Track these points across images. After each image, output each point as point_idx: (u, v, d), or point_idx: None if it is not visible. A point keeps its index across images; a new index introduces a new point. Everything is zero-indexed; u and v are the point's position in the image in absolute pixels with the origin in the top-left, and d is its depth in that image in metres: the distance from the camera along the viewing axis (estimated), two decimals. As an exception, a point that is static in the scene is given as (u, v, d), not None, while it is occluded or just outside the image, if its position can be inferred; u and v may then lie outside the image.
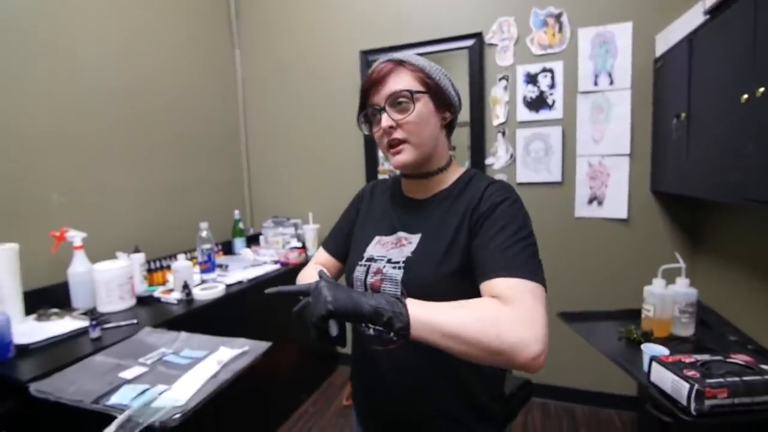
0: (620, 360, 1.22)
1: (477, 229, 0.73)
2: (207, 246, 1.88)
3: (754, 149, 1.08)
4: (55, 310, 1.51)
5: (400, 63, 0.78)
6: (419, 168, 0.82)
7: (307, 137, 2.64)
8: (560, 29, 2.06)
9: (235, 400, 1.75)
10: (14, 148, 1.53)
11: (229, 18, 2.67)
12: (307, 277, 0.89)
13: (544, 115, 2.12)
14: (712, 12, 1.34)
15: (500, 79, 2.18)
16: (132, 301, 1.62)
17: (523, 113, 2.16)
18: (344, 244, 0.94)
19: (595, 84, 2.02)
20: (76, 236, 1.59)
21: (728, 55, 1.23)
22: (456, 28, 2.22)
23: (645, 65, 1.94)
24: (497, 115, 2.21)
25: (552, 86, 2.10)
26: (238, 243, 2.49)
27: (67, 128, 1.70)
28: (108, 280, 1.54)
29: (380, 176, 2.41)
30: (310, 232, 2.46)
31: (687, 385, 0.92)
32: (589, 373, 2.14)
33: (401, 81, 0.76)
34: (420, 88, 0.77)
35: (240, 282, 1.90)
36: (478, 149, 2.25)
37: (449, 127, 0.85)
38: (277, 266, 2.19)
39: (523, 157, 2.18)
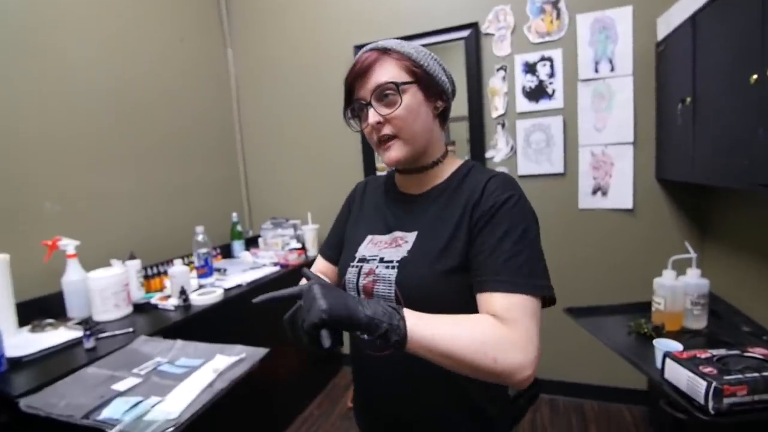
0: (631, 356, 1.18)
1: (478, 231, 0.68)
2: (204, 250, 1.84)
3: (765, 132, 1.03)
4: (49, 320, 1.48)
5: (385, 51, 0.73)
6: (413, 163, 0.77)
7: (304, 135, 2.60)
8: (558, 16, 2.01)
9: (239, 404, 1.72)
10: (3, 155, 1.50)
11: (220, 17, 2.63)
12: None
13: (544, 105, 2.07)
14: (717, -10, 1.28)
15: (498, 70, 2.13)
16: (128, 309, 1.58)
17: (523, 104, 2.11)
18: (340, 247, 0.90)
19: (596, 71, 1.97)
20: (69, 244, 1.55)
21: (735, 34, 1.18)
22: (451, 18, 2.17)
23: (646, 50, 1.88)
24: (496, 106, 2.16)
25: (551, 75, 2.05)
26: (237, 246, 2.45)
27: (57, 133, 1.67)
28: (103, 288, 1.51)
29: (379, 173, 2.36)
30: (310, 232, 2.43)
31: (704, 383, 0.88)
32: (597, 368, 2.10)
33: (386, 72, 0.71)
34: (407, 78, 0.72)
35: (239, 286, 1.86)
36: (478, 142, 2.20)
37: (443, 116, 0.80)
38: (277, 268, 2.15)
39: (524, 149, 2.13)
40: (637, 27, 1.89)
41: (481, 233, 0.68)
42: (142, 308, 1.64)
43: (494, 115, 2.17)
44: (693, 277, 1.33)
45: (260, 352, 1.11)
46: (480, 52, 2.14)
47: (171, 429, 0.82)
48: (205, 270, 1.86)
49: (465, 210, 0.71)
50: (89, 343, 1.27)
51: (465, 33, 2.15)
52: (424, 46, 0.78)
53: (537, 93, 2.08)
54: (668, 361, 1.01)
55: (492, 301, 0.63)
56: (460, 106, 2.18)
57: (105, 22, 1.88)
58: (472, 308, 0.66)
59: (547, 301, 0.67)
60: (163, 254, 2.04)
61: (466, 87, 2.16)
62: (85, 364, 1.15)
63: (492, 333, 0.59)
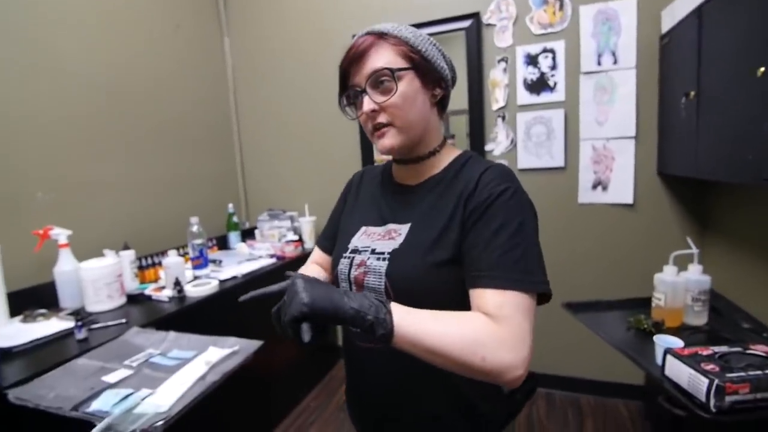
0: (630, 352, 1.17)
1: (472, 224, 0.66)
2: (199, 241, 1.82)
3: (773, 126, 1.01)
4: (42, 310, 1.46)
5: (381, 36, 0.70)
6: (409, 152, 0.75)
7: (302, 126, 2.57)
8: (561, 7, 1.97)
9: (235, 396, 1.71)
10: (-8, 143, 1.47)
11: (217, 5, 2.58)
12: None
13: (545, 97, 2.04)
14: (725, -19, 1.25)
15: (499, 61, 2.10)
16: (121, 300, 1.56)
17: (524, 96, 2.08)
18: (336, 238, 0.88)
19: (599, 64, 1.94)
20: (61, 234, 1.53)
21: (741, 26, 1.15)
22: (452, 8, 2.13)
23: (650, 43, 1.85)
24: (497, 98, 2.13)
25: (553, 67, 2.01)
26: (233, 237, 2.43)
27: (49, 121, 1.63)
28: (95, 279, 1.49)
29: (377, 164, 2.34)
30: (307, 224, 2.40)
31: (706, 380, 0.86)
32: (594, 363, 2.09)
33: (382, 57, 0.69)
34: (403, 64, 0.69)
35: (234, 277, 1.84)
36: (478, 135, 2.17)
37: (442, 104, 0.78)
38: (273, 260, 2.13)
39: (525, 142, 2.10)
40: (641, 19, 1.85)
41: (475, 226, 0.65)
42: (135, 299, 1.61)
43: (495, 107, 2.14)
44: (694, 273, 1.32)
45: (254, 344, 1.09)
46: (481, 43, 2.11)
47: (161, 422, 0.80)
48: (201, 261, 1.83)
49: (459, 201, 0.69)
50: (81, 334, 1.25)
51: (466, 23, 2.11)
52: (423, 37, 0.74)
53: (538, 85, 2.05)
54: (669, 357, 0.99)
55: (484, 297, 0.61)
56: (460, 98, 2.15)
57: (97, 9, 1.84)
58: (464, 302, 0.64)
59: (543, 297, 0.65)
60: (158, 245, 2.01)
61: (467, 79, 2.13)
62: (76, 355, 1.13)
63: (482, 331, 0.57)
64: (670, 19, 1.70)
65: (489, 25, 2.09)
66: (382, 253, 0.72)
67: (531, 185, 2.06)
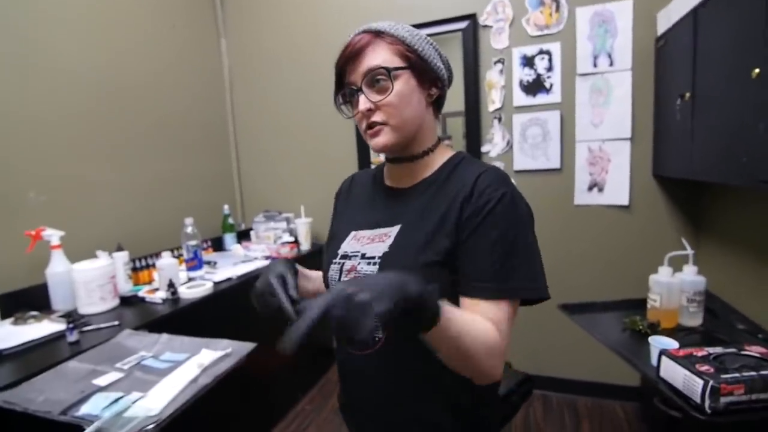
0: (626, 353, 1.16)
1: (470, 230, 0.65)
2: (193, 242, 1.80)
3: (766, 127, 1.01)
4: (33, 313, 1.44)
5: (378, 34, 0.69)
6: (402, 150, 0.74)
7: (298, 127, 2.56)
8: (557, 9, 1.97)
9: (231, 399, 1.69)
10: (-17, 144, 1.45)
11: (213, 6, 2.57)
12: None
13: (541, 99, 2.05)
14: (719, -17, 1.26)
15: (495, 63, 2.10)
16: (115, 302, 1.55)
17: (520, 98, 2.08)
18: None
19: (595, 66, 1.94)
20: (53, 235, 1.51)
21: (737, 28, 1.15)
22: (448, 9, 2.13)
23: (646, 45, 1.86)
24: (493, 100, 2.13)
25: (549, 69, 2.02)
26: (229, 238, 2.41)
27: (42, 121, 1.62)
28: (88, 281, 1.47)
29: (373, 166, 2.33)
30: (303, 226, 2.39)
31: (701, 382, 0.86)
32: (590, 364, 2.09)
33: (378, 56, 0.68)
34: (399, 63, 0.68)
35: (229, 279, 1.83)
36: (474, 136, 2.17)
37: (437, 104, 0.77)
38: (269, 262, 2.12)
39: (521, 144, 2.10)
40: (636, 21, 1.86)
41: (475, 233, 0.65)
42: (129, 301, 1.60)
43: (491, 108, 2.14)
44: (689, 274, 1.32)
45: (247, 347, 1.09)
46: (477, 45, 2.11)
47: (151, 426, 0.79)
48: (195, 263, 1.82)
49: (453, 204, 0.68)
50: (72, 337, 1.24)
51: (462, 24, 2.11)
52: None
53: (534, 87, 2.05)
54: (664, 358, 0.99)
55: (480, 306, 0.63)
56: (456, 99, 2.15)
57: (92, 8, 1.83)
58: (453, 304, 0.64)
59: (540, 298, 0.66)
60: (152, 246, 2.00)
61: (463, 80, 2.13)
62: (68, 357, 1.12)
63: (494, 340, 0.61)
64: (665, 21, 1.71)
65: (485, 26, 2.10)
66: (372, 258, 0.71)
67: (527, 187, 2.08)
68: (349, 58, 0.70)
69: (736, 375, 0.86)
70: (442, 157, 0.77)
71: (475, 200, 0.66)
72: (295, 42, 2.48)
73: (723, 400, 0.84)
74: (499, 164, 2.13)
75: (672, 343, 1.10)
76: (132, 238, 1.89)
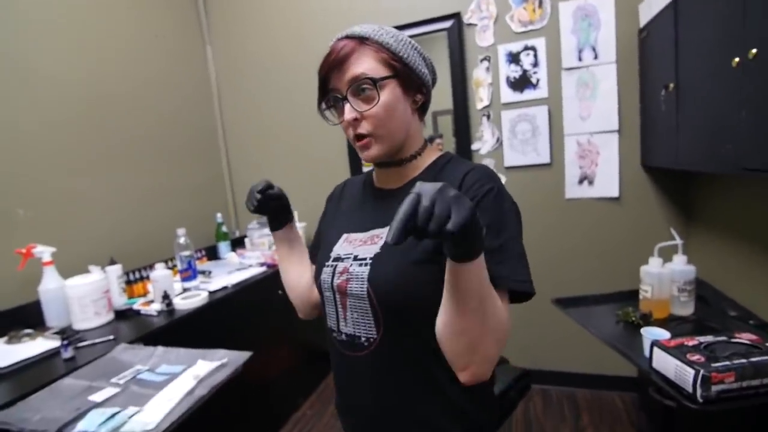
0: (620, 345, 1.17)
1: None
2: (186, 253, 1.80)
3: (748, 116, 1.02)
4: (27, 331, 1.43)
5: (362, 41, 0.69)
6: (391, 157, 0.75)
7: (289, 132, 2.56)
8: (540, 4, 1.98)
9: (230, 408, 1.69)
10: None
11: (197, 13, 2.56)
12: None
13: (528, 95, 2.06)
14: (697, -26, 1.27)
15: (482, 60, 2.11)
16: (109, 316, 1.54)
17: (507, 94, 2.09)
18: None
19: (580, 59, 1.96)
20: (44, 251, 1.50)
21: (716, 17, 1.17)
22: (433, 9, 2.13)
23: (629, 37, 1.87)
24: (481, 98, 2.13)
25: (535, 64, 2.03)
26: (223, 247, 2.41)
27: (28, 136, 1.61)
28: (81, 296, 1.47)
29: (365, 169, 2.34)
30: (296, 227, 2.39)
31: (692, 371, 0.87)
32: (587, 357, 2.11)
33: (363, 64, 0.68)
34: (385, 72, 0.68)
35: (225, 288, 1.82)
36: (464, 134, 2.18)
37: (422, 108, 0.78)
38: (264, 268, 2.12)
39: (510, 140, 2.11)
40: (619, 14, 1.87)
41: None
42: (124, 315, 1.60)
43: (479, 106, 2.14)
44: (679, 264, 1.33)
45: (243, 356, 1.09)
46: (463, 43, 2.12)
47: (148, 440, 0.79)
48: (189, 273, 1.82)
49: None
50: (67, 353, 1.23)
51: (447, 24, 2.12)
52: (406, 38, 0.74)
53: (521, 83, 2.06)
54: (656, 349, 1.00)
55: None
56: (444, 98, 2.16)
57: (74, 19, 1.82)
58: None
59: (525, 295, 0.66)
60: (146, 258, 1.99)
61: (450, 79, 2.13)
62: (63, 375, 1.11)
63: (503, 314, 0.59)
64: (647, 12, 1.72)
65: (470, 24, 2.10)
66: (364, 259, 0.71)
67: (518, 183, 2.10)
68: (333, 65, 0.69)
69: (727, 363, 0.87)
70: (429, 158, 0.78)
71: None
72: (281, 46, 2.48)
73: (714, 388, 0.85)
74: (489, 161, 2.14)
75: (664, 334, 1.11)
76: (125, 251, 1.89)
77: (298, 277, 0.90)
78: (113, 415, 0.88)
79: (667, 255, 1.36)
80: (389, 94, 0.69)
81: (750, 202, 1.45)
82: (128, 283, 1.76)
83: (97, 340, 1.34)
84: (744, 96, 1.03)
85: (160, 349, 1.18)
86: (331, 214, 0.89)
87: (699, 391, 0.86)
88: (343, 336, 0.74)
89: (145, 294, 1.80)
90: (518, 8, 2.02)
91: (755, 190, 1.41)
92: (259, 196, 0.79)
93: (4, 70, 1.55)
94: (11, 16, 1.59)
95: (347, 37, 0.70)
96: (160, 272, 1.63)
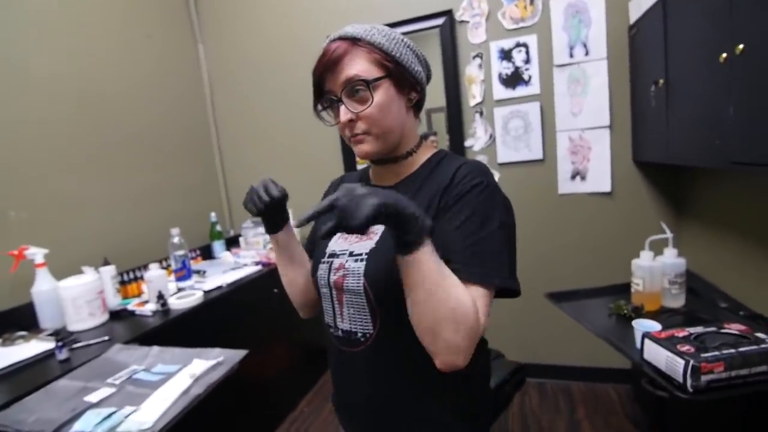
0: (612, 338, 1.19)
1: (445, 213, 0.67)
2: (180, 252, 1.79)
3: (736, 111, 1.04)
4: (21, 333, 1.43)
5: (355, 42, 0.69)
6: (386, 154, 0.76)
7: (282, 130, 2.55)
8: (531, 1, 1.99)
9: (228, 406, 1.69)
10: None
11: (189, 12, 2.55)
12: None
13: (520, 91, 2.07)
14: (685, -30, 1.28)
15: (474, 57, 2.11)
16: (104, 317, 1.54)
17: (500, 91, 2.10)
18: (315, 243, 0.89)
19: (571, 56, 1.97)
20: (37, 253, 1.49)
21: (704, 13, 1.18)
22: (425, 6, 2.14)
23: (620, 33, 1.89)
24: (473, 94, 2.14)
25: (527, 61, 2.04)
26: (218, 246, 2.40)
27: (18, 137, 1.60)
28: (75, 297, 1.46)
29: (359, 167, 2.34)
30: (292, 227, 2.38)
31: (682, 362, 0.88)
32: (582, 350, 2.13)
33: (356, 65, 0.68)
34: (378, 73, 0.69)
35: (219, 287, 1.82)
36: (457, 131, 2.19)
37: (417, 106, 0.78)
38: (259, 267, 2.12)
39: (503, 137, 2.13)
40: (609, 11, 1.89)
41: (448, 217, 0.67)
42: (118, 315, 1.59)
43: (472, 103, 2.15)
44: (670, 257, 1.35)
45: (239, 354, 1.09)
46: (455, 40, 2.12)
47: (145, 439, 0.79)
48: (184, 273, 1.81)
49: (435, 196, 0.70)
50: (62, 355, 1.23)
51: (439, 21, 2.12)
52: (398, 35, 0.74)
53: (513, 80, 2.07)
54: (647, 341, 1.01)
55: None
56: (437, 95, 2.16)
57: (65, 20, 1.80)
58: None
59: (511, 292, 0.67)
60: (140, 258, 1.98)
61: (443, 76, 2.14)
62: (58, 376, 1.11)
63: (467, 308, 0.59)
64: (636, 9, 1.74)
65: (462, 21, 2.11)
66: (360, 254, 0.72)
67: (511, 179, 2.11)
68: (326, 67, 0.70)
69: (716, 353, 0.89)
70: (424, 155, 0.79)
71: (453, 188, 0.68)
72: (273, 44, 2.47)
73: (704, 378, 0.87)
74: (482, 158, 2.15)
75: (655, 326, 1.12)
76: (118, 251, 1.88)
77: (297, 277, 0.90)
78: (109, 416, 0.88)
79: (658, 248, 1.38)
80: (383, 94, 0.69)
81: (739, 195, 1.47)
82: (122, 283, 1.76)
83: (92, 341, 1.34)
84: (732, 91, 1.05)
85: (155, 348, 1.18)
86: None
87: (689, 381, 0.87)
88: (340, 332, 0.74)
89: (139, 294, 1.79)
90: (510, 5, 2.03)
91: (744, 184, 1.43)
92: (267, 199, 0.74)
93: (-7, 71, 1.54)
94: (2, 17, 1.57)
95: (340, 38, 0.70)
96: (154, 272, 1.62)
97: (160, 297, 1.58)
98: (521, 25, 2.02)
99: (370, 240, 0.73)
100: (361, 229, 0.54)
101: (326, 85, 0.71)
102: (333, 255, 0.76)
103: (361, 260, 0.71)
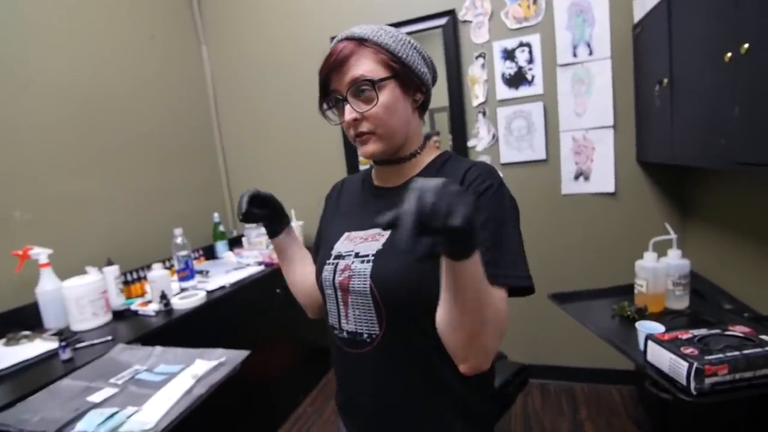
0: (615, 340, 1.18)
1: None
2: (183, 252, 1.80)
3: (741, 110, 1.03)
4: (25, 332, 1.44)
5: (361, 42, 0.69)
6: (390, 155, 0.76)
7: (285, 130, 2.56)
8: (534, 0, 1.98)
9: (231, 406, 1.70)
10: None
11: (192, 13, 2.56)
12: None
13: (524, 91, 2.06)
14: (690, -31, 1.27)
15: (477, 57, 2.11)
16: (107, 317, 1.54)
17: (503, 91, 2.09)
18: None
19: (574, 55, 1.96)
20: (41, 253, 1.50)
21: (709, 12, 1.17)
22: (427, 6, 2.13)
23: (624, 32, 1.87)
24: (476, 94, 2.14)
25: (530, 61, 2.03)
26: (220, 246, 2.41)
27: (23, 138, 1.61)
28: (79, 297, 1.47)
29: (362, 167, 2.34)
30: (294, 229, 2.39)
31: (686, 364, 0.88)
32: (585, 351, 2.12)
33: (362, 65, 0.68)
34: (384, 73, 0.69)
35: (222, 287, 1.83)
36: (460, 131, 2.18)
37: (422, 107, 0.78)
38: (262, 267, 2.12)
39: (506, 137, 2.12)
40: (613, 9, 1.88)
41: None
42: (122, 315, 1.60)
43: (475, 103, 2.15)
44: (674, 258, 1.34)
45: (241, 354, 1.09)
46: (458, 40, 2.12)
47: (147, 440, 0.79)
48: (187, 273, 1.82)
49: None
50: (65, 354, 1.23)
51: (442, 21, 2.12)
52: (401, 36, 0.74)
53: (516, 79, 2.06)
54: (650, 343, 1.01)
55: None
56: (440, 95, 2.16)
57: (69, 22, 1.81)
58: None
59: (526, 290, 0.66)
60: (143, 258, 1.99)
61: (446, 76, 2.13)
62: (61, 376, 1.12)
63: (499, 307, 0.59)
64: (641, 8, 1.72)
65: (465, 21, 2.10)
66: (366, 256, 0.72)
67: (515, 179, 2.10)
68: (333, 67, 0.70)
69: (720, 356, 0.88)
70: (429, 156, 0.79)
71: None
72: (277, 44, 2.47)
73: (708, 380, 0.86)
74: (485, 158, 2.15)
75: (658, 327, 1.12)
76: (122, 252, 1.89)
77: (303, 279, 0.90)
78: (112, 415, 0.88)
79: (662, 249, 1.37)
80: (388, 94, 0.69)
81: (744, 196, 1.46)
82: (126, 283, 1.77)
83: (95, 341, 1.35)
84: (737, 91, 1.04)
85: (158, 349, 1.19)
86: (331, 212, 0.89)
87: (693, 384, 0.87)
88: (345, 333, 0.74)
89: (142, 294, 1.80)
90: (513, 5, 2.02)
91: (749, 185, 1.42)
92: (245, 208, 0.78)
93: (2, 74, 1.55)
94: (7, 18, 1.58)
95: (347, 38, 0.71)
96: (157, 272, 1.63)
97: (163, 297, 1.58)
98: (524, 24, 2.02)
99: (377, 242, 0.73)
100: (467, 231, 0.44)
101: (332, 85, 0.72)
102: (339, 257, 0.76)
103: (368, 261, 0.71)
